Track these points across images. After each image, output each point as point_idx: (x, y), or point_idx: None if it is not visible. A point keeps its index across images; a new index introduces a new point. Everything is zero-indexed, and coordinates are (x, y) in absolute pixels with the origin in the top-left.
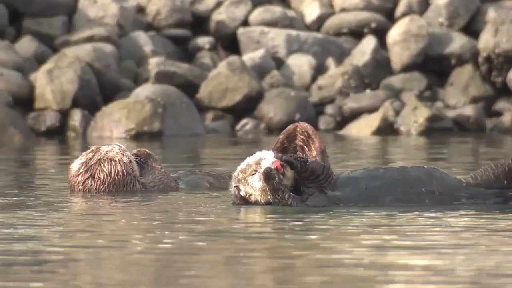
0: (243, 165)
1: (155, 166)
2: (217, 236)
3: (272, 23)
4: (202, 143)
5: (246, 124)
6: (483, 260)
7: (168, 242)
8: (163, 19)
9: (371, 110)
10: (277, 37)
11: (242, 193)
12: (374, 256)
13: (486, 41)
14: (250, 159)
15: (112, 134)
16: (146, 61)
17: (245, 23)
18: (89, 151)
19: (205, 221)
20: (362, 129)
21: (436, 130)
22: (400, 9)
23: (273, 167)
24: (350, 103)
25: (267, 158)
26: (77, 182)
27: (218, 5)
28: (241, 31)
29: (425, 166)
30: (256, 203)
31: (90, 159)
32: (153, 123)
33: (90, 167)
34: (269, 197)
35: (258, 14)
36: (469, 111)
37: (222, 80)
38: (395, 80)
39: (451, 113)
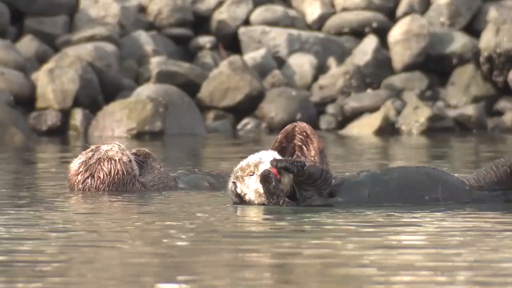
0: (243, 163)
1: (155, 165)
2: (217, 235)
3: (273, 23)
4: (203, 142)
5: (247, 123)
6: (486, 259)
7: (168, 241)
8: (164, 19)
9: (372, 109)
10: (278, 37)
11: (239, 191)
12: (374, 255)
13: (487, 40)
14: (251, 158)
15: (114, 133)
16: (148, 60)
17: (247, 22)
18: (88, 150)
19: (205, 221)
20: (363, 128)
21: (438, 130)
22: (401, 8)
23: (271, 171)
24: (351, 103)
25: (266, 162)
26: (77, 181)
27: (219, 4)
28: (242, 30)
29: (430, 168)
30: (250, 203)
31: (90, 158)
32: (155, 122)
33: (89, 166)
34: (263, 199)
35: (259, 13)
36: (470, 110)
37: (223, 79)
38: (396, 80)
39: (452, 113)
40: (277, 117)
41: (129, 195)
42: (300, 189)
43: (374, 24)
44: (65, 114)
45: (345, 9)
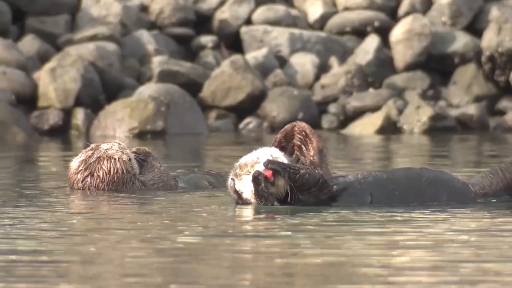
0: (242, 160)
1: (155, 164)
2: (217, 235)
3: (275, 22)
4: (205, 141)
5: (249, 123)
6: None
7: (168, 241)
8: (166, 18)
9: (374, 109)
10: (280, 36)
11: (237, 188)
12: (375, 255)
13: (489, 40)
14: (250, 156)
15: (115, 133)
16: (149, 59)
17: (248, 21)
18: (88, 148)
19: (205, 220)
20: (365, 128)
21: (439, 129)
22: (403, 8)
23: (264, 173)
24: (353, 102)
25: (261, 162)
26: (77, 179)
27: (221, 3)
28: (244, 30)
29: (436, 173)
30: (246, 201)
31: (90, 156)
32: (156, 122)
33: (89, 165)
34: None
35: (261, 12)
36: (472, 110)
37: (225, 79)
38: (398, 79)
39: (454, 112)
40: (279, 117)
41: (129, 194)
42: (297, 192)
43: (376, 24)
44: (67, 113)
45: (347, 9)
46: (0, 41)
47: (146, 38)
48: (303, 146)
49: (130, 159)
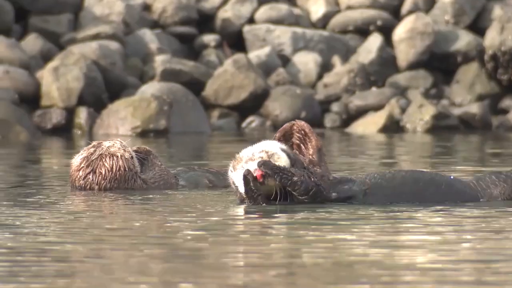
0: (242, 152)
1: (156, 162)
2: (217, 234)
3: (278, 21)
4: (208, 140)
5: (252, 121)
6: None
7: (168, 240)
8: (169, 17)
9: (377, 107)
10: (283, 35)
11: (233, 179)
12: (375, 255)
13: (492, 38)
14: (250, 150)
15: (118, 131)
16: (152, 58)
17: (251, 20)
18: (90, 146)
19: (205, 219)
20: (368, 126)
21: (442, 128)
22: (406, 6)
23: (254, 173)
24: (356, 101)
25: (256, 160)
26: (78, 177)
27: (224, 2)
28: (247, 28)
29: (444, 180)
30: (242, 195)
31: (92, 154)
32: (159, 120)
33: (91, 162)
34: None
35: (264, 11)
36: (475, 108)
37: (228, 77)
38: (401, 78)
39: (457, 111)
40: (281, 115)
41: (131, 193)
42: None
43: (379, 22)
44: (70, 112)
45: (349, 7)
46: (3, 40)
47: (149, 37)
48: (302, 145)
49: (132, 157)
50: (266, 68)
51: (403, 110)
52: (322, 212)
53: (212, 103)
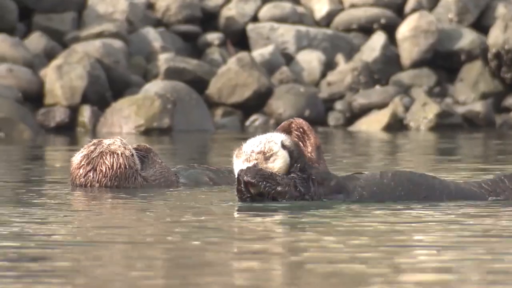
0: (245, 144)
1: (156, 160)
2: (217, 233)
3: (281, 19)
4: (211, 139)
5: (255, 120)
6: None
7: (169, 239)
8: (172, 15)
9: (381, 106)
10: (287, 33)
11: (234, 167)
12: (377, 254)
13: (495, 37)
14: (252, 143)
15: (122, 130)
16: (156, 57)
17: (255, 19)
18: (90, 144)
19: (205, 218)
20: (372, 125)
21: (446, 126)
22: (409, 5)
23: (243, 178)
24: (360, 99)
25: (251, 163)
26: (79, 174)
27: (227, 1)
28: (250, 27)
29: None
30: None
31: (92, 151)
32: (163, 119)
33: (92, 159)
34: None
35: (267, 10)
36: (478, 107)
37: (231, 76)
38: (404, 76)
39: (460, 109)
40: (285, 114)
41: (132, 190)
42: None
43: (383, 21)
44: (73, 110)
45: (353, 6)
46: (7, 38)
47: (152, 35)
48: (300, 142)
49: (132, 155)
50: (269, 67)
51: (407, 109)
52: (322, 212)
53: (215, 102)
